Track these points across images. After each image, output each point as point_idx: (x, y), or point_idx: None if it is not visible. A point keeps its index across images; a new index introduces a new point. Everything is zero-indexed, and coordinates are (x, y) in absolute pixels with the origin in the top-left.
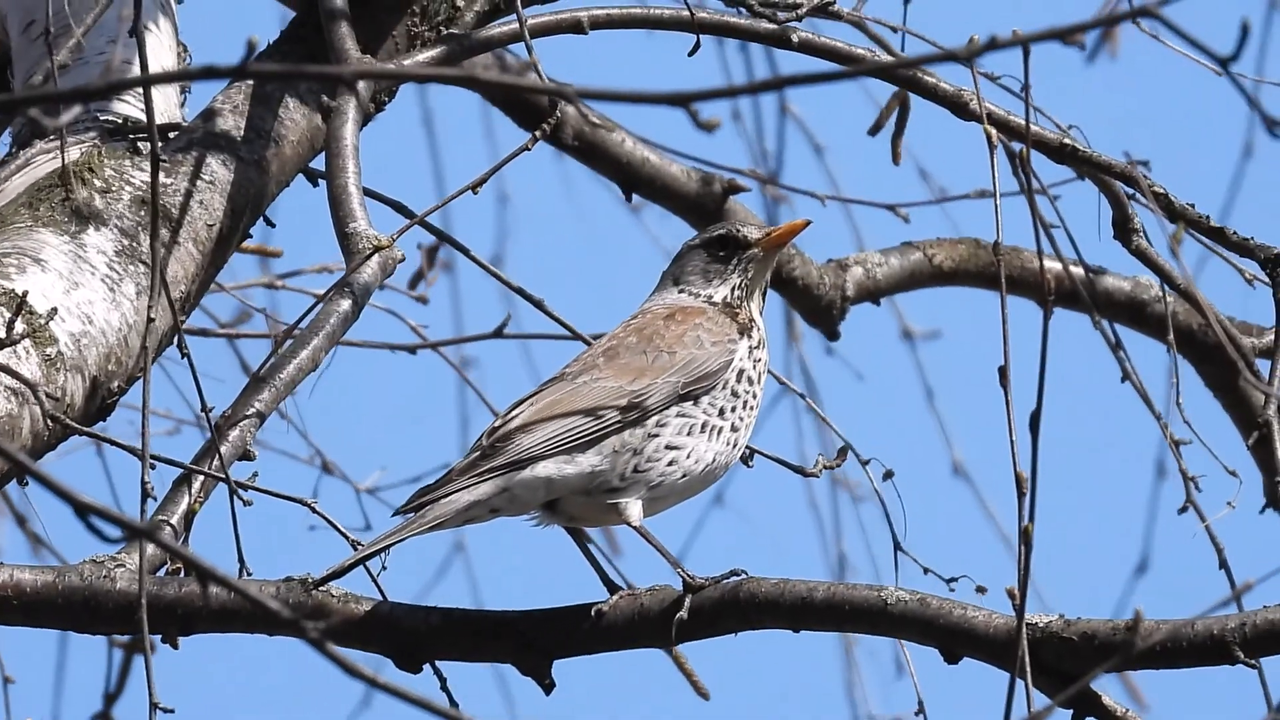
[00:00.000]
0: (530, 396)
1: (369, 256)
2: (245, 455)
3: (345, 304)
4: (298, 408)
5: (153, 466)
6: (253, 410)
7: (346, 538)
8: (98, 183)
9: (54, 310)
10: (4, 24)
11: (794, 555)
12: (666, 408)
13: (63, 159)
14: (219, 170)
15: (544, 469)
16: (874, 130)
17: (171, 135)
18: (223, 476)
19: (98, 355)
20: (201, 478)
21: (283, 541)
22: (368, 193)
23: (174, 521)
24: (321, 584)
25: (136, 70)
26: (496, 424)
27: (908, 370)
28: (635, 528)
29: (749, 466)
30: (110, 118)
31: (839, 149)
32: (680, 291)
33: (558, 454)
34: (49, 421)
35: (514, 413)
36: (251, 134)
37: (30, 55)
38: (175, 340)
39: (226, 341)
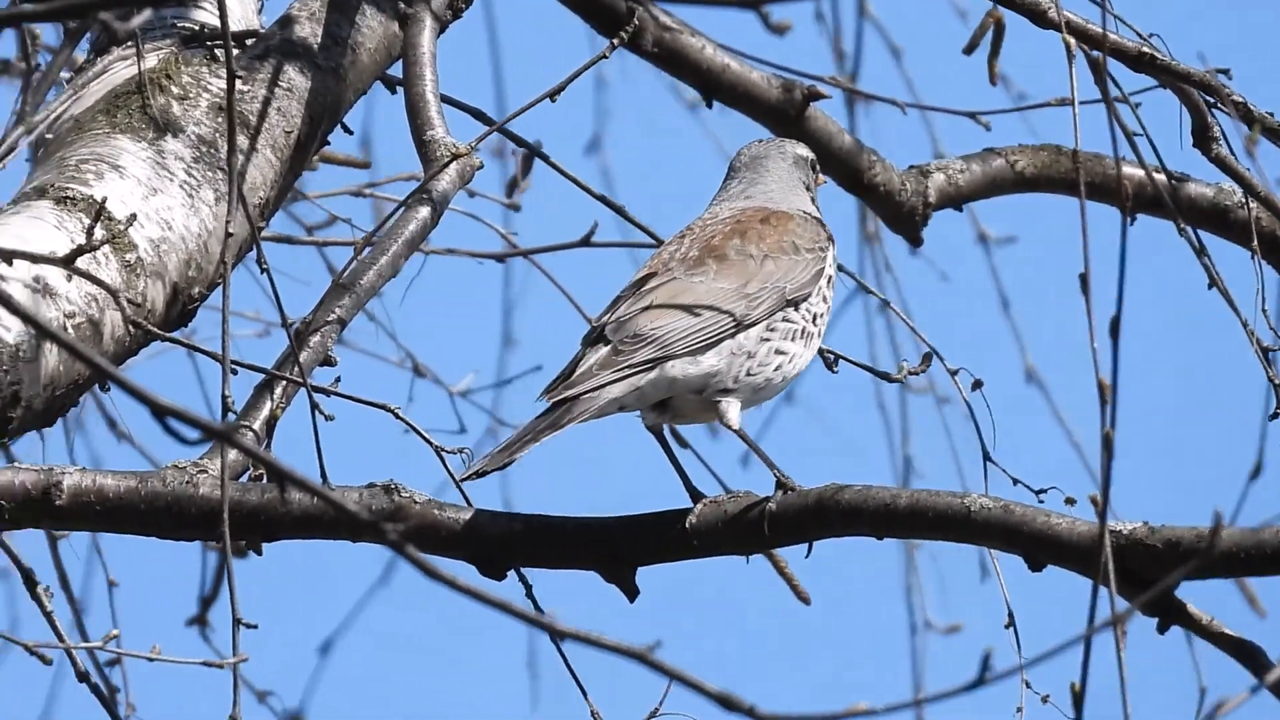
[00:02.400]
0: (638, 289)
1: (447, 164)
2: (326, 361)
3: (424, 211)
4: (388, 315)
5: (234, 372)
6: (333, 316)
7: (430, 443)
8: (175, 90)
9: (133, 216)
10: None
11: (867, 460)
12: (774, 312)
13: (139, 64)
14: (296, 77)
15: (673, 368)
16: (969, 49)
17: (248, 43)
18: (301, 381)
19: (177, 261)
20: (283, 384)
21: (373, 448)
22: (446, 100)
23: (256, 427)
24: (468, 479)
25: None
26: (613, 317)
27: (984, 275)
28: (736, 430)
29: (834, 371)
30: (188, 25)
31: (918, 54)
32: (768, 194)
33: (685, 354)
34: (130, 327)
35: (628, 308)
36: (328, 41)
37: None
38: (253, 248)
39: (315, 249)
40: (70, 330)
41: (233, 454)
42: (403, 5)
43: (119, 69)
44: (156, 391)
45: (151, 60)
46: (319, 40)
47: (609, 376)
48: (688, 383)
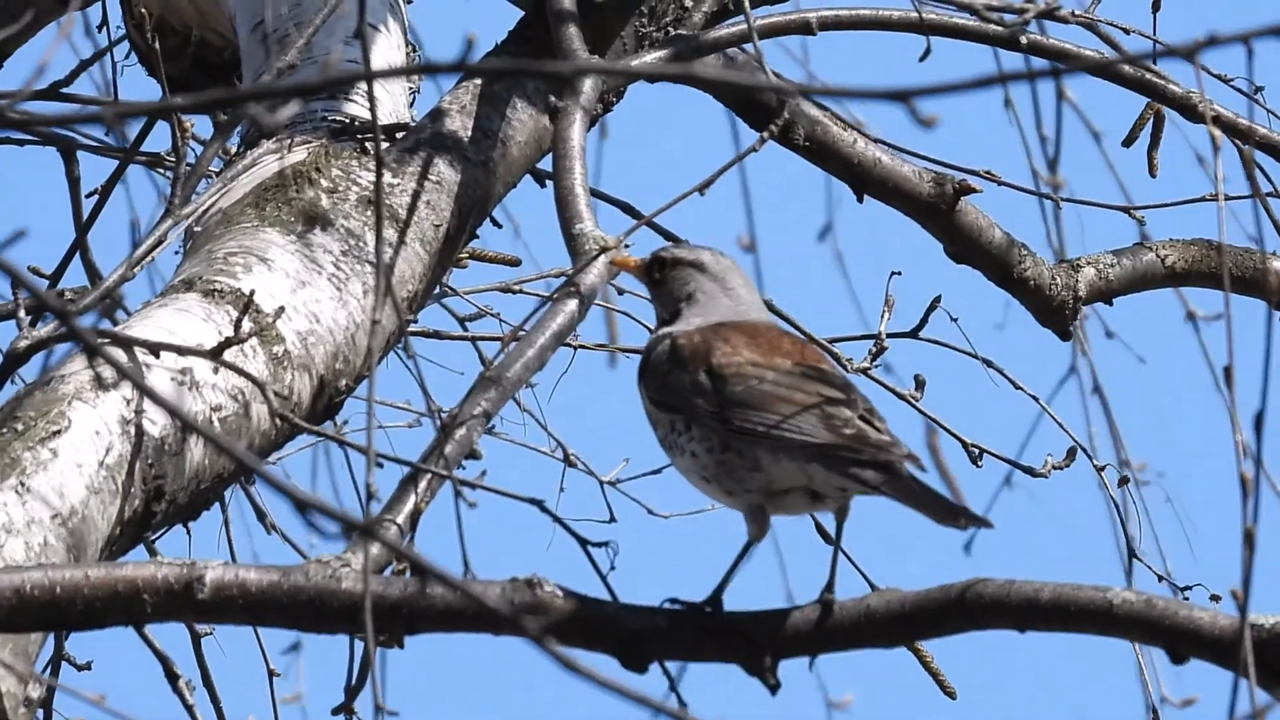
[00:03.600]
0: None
1: (595, 257)
2: (472, 454)
3: (572, 304)
4: (540, 408)
5: (380, 465)
6: (480, 409)
7: (575, 535)
8: (324, 183)
9: (281, 309)
10: (233, 23)
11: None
12: None
13: (284, 156)
14: (445, 170)
15: None
16: (1128, 142)
17: (399, 136)
18: (447, 474)
19: (325, 354)
20: (428, 477)
21: (523, 541)
22: (595, 194)
23: (399, 520)
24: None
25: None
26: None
27: (1134, 369)
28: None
29: (978, 466)
30: (338, 118)
31: (1071, 150)
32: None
33: None
34: (276, 420)
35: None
36: (478, 134)
37: (258, 55)
38: (401, 341)
39: (465, 343)
40: (216, 423)
41: (376, 548)
42: (553, 99)
43: (268, 162)
44: (305, 485)
45: (301, 153)
46: (469, 134)
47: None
48: None
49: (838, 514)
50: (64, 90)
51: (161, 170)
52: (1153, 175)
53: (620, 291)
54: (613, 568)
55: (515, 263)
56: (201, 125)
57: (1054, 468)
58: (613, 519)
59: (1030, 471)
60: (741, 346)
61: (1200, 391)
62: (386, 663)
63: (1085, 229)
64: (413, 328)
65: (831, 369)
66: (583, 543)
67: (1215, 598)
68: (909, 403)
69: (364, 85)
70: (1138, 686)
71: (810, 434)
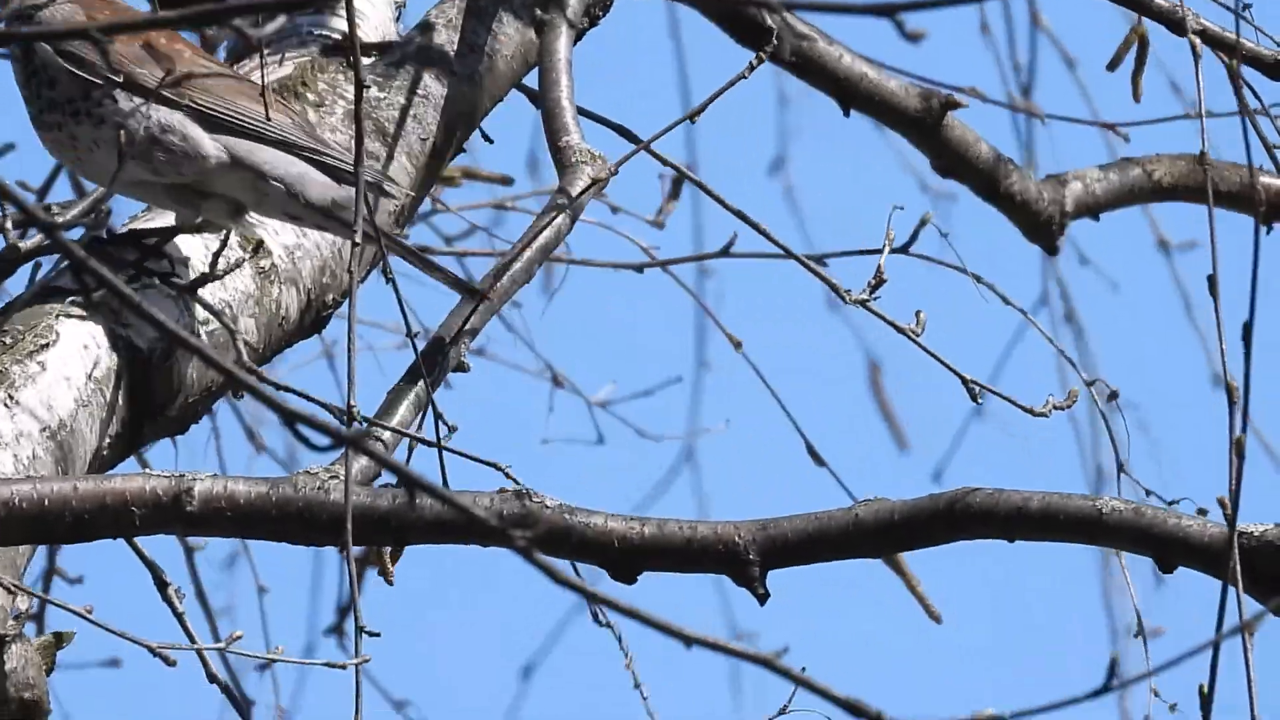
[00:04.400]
0: None
1: (581, 168)
2: (460, 368)
3: (561, 219)
4: (528, 327)
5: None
6: (466, 324)
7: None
8: (311, 97)
9: (262, 243)
10: None
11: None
12: None
13: (262, 71)
14: (432, 85)
15: None
16: (1112, 65)
17: (385, 52)
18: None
19: (312, 268)
20: (415, 391)
21: (510, 449)
22: (589, 114)
23: (386, 435)
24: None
25: None
26: None
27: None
28: None
29: (977, 403)
30: (325, 33)
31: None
32: None
33: None
34: (265, 336)
35: None
36: (465, 48)
37: None
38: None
39: (455, 259)
40: (204, 337)
41: (365, 461)
42: (539, 11)
43: (255, 78)
44: (278, 396)
45: (289, 68)
46: (455, 48)
47: None
48: None
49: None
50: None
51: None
52: (1137, 100)
53: (615, 210)
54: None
55: (508, 181)
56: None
57: (1055, 408)
58: (601, 441)
59: (1030, 411)
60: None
61: (1172, 316)
62: (370, 585)
63: (1069, 153)
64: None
65: None
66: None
67: (1202, 511)
68: (909, 337)
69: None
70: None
71: (283, 132)
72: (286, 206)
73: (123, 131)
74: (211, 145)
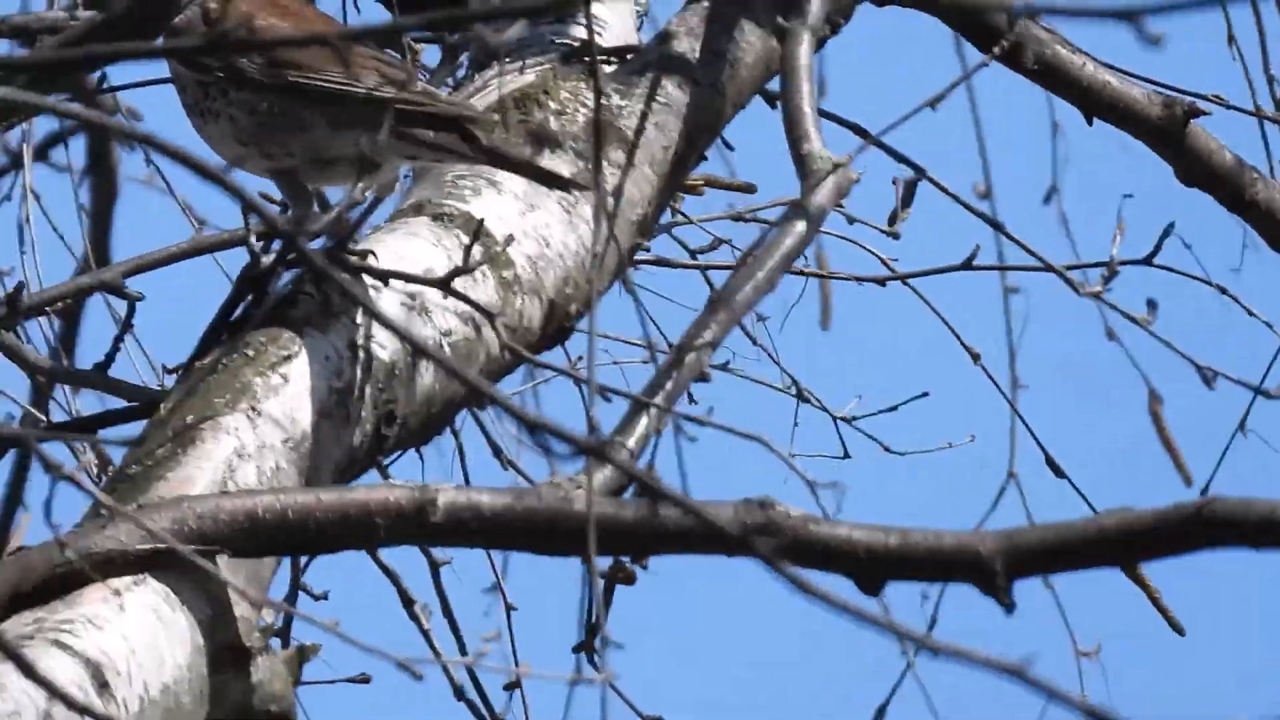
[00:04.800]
0: None
1: (823, 176)
2: (701, 377)
3: (801, 225)
4: (770, 339)
5: (608, 400)
6: (708, 334)
7: (794, 469)
8: (552, 105)
9: (510, 238)
10: None
11: None
12: None
13: (500, 78)
14: (674, 92)
15: None
16: None
17: (627, 59)
18: (665, 408)
19: (554, 278)
20: (659, 402)
21: (749, 479)
22: (825, 115)
23: (631, 444)
24: None
25: None
26: None
27: None
28: None
29: (1211, 388)
30: (566, 41)
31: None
32: None
33: None
34: (504, 353)
35: None
36: (707, 56)
37: None
38: (631, 263)
39: (697, 272)
40: (446, 348)
41: (609, 470)
42: (781, 19)
43: (497, 86)
44: (521, 406)
45: (530, 77)
46: (697, 55)
47: None
48: None
49: (378, 189)
50: None
51: None
52: None
53: (850, 221)
54: (834, 485)
55: (751, 189)
56: (431, 55)
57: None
58: (846, 455)
59: (1266, 394)
60: (283, 13)
61: None
62: (616, 596)
63: None
64: (643, 256)
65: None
66: (806, 481)
67: None
68: (1142, 326)
69: (591, 7)
70: None
71: (370, 88)
72: (401, 150)
73: (231, 122)
74: (310, 118)
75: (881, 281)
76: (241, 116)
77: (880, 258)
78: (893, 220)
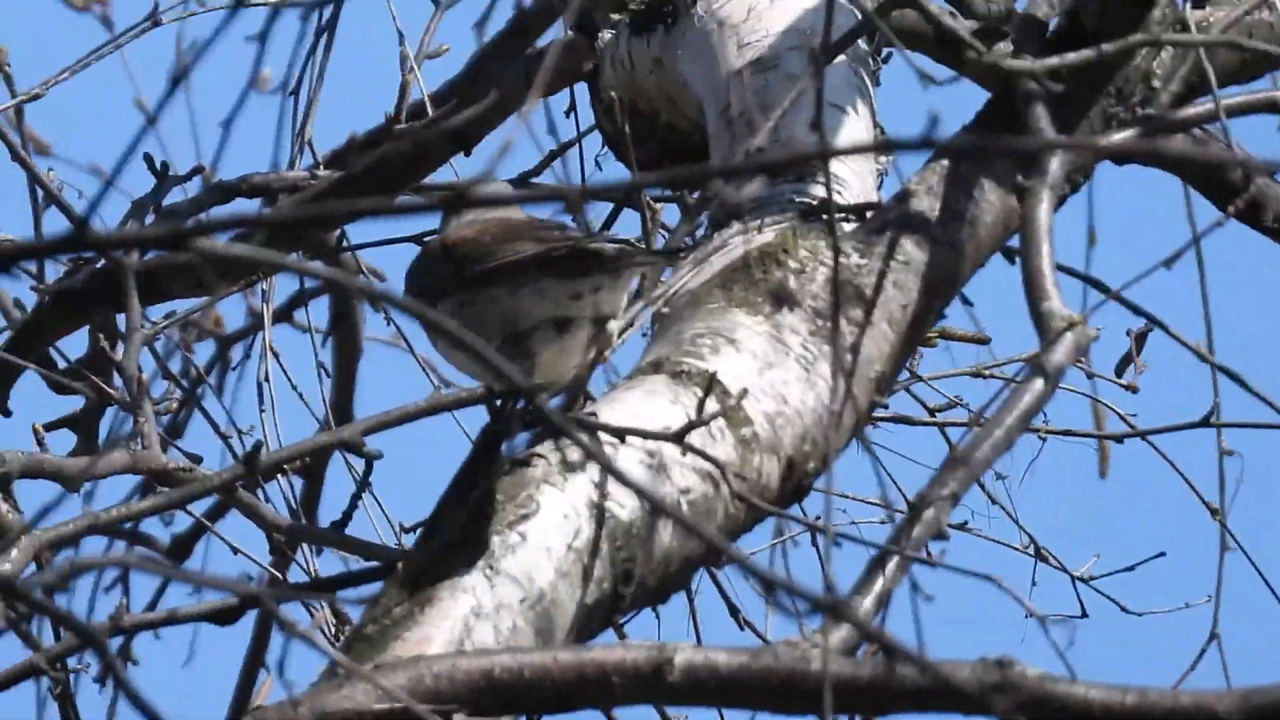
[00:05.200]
0: None
1: (1061, 334)
2: (939, 535)
3: (1038, 383)
4: (1009, 495)
5: (838, 544)
6: (947, 490)
7: (1033, 612)
8: (792, 263)
9: (744, 391)
10: (701, 107)
11: None
12: None
13: (752, 237)
14: (913, 251)
15: None
16: None
17: (866, 216)
18: (907, 553)
19: (793, 436)
20: (894, 561)
21: (990, 627)
22: (1064, 269)
23: (866, 603)
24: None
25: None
26: None
27: None
28: None
29: None
30: (806, 199)
31: None
32: None
33: None
34: (737, 502)
35: None
36: (946, 215)
37: (725, 140)
38: (869, 421)
39: (934, 429)
40: (685, 506)
41: (846, 629)
42: (1020, 178)
43: (738, 243)
44: (769, 567)
45: (769, 235)
46: (936, 214)
47: None
48: None
49: (598, 344)
50: (532, 180)
51: None
52: None
53: (1090, 376)
54: (1071, 643)
55: (985, 340)
56: (668, 214)
57: None
58: (1084, 614)
59: None
60: (478, 226)
61: None
62: None
63: None
64: (880, 413)
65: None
66: (1042, 620)
67: None
68: None
69: (830, 165)
70: None
71: (524, 250)
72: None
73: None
74: (494, 294)
75: (1119, 438)
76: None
77: (1119, 413)
78: (1121, 369)
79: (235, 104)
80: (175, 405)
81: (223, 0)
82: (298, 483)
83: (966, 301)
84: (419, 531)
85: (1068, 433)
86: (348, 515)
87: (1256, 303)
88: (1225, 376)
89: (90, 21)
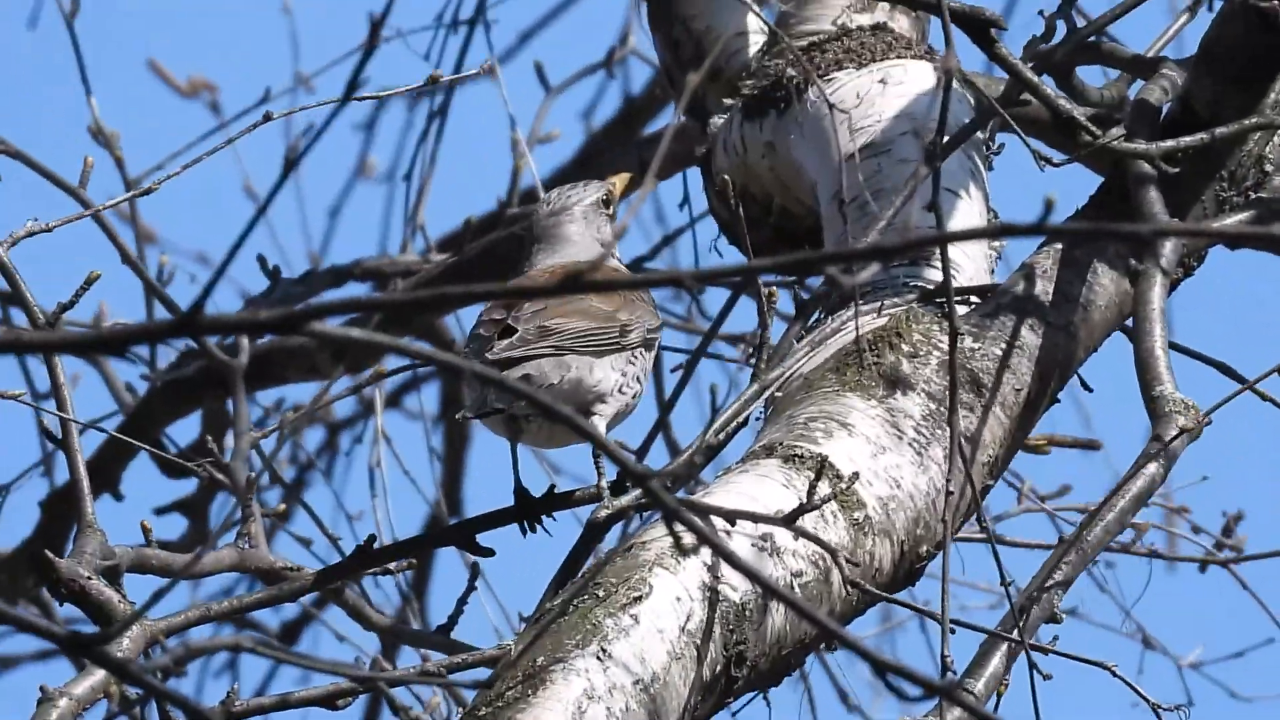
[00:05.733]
0: (511, 312)
1: (1175, 420)
2: (1051, 619)
3: (1153, 468)
4: (1116, 580)
5: (953, 631)
6: (1059, 576)
7: (1146, 700)
8: (905, 347)
9: (855, 474)
10: (814, 191)
11: None
12: (637, 346)
13: (855, 320)
14: (1026, 335)
15: (574, 364)
16: None
17: (980, 300)
18: (1020, 640)
19: (905, 520)
20: (1007, 647)
21: (1099, 714)
22: (1184, 350)
23: (979, 687)
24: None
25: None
26: (513, 316)
27: None
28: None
29: None
30: (920, 283)
31: None
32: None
33: (585, 353)
34: (848, 588)
35: (526, 317)
36: (1059, 298)
37: (838, 224)
38: (978, 504)
39: (1046, 516)
40: (797, 589)
41: (959, 712)
42: (1133, 262)
43: (850, 327)
44: (881, 650)
45: (883, 318)
46: (1049, 297)
47: (524, 351)
48: (575, 385)
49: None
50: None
51: (742, 344)
52: None
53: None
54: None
55: (1095, 446)
56: (784, 303)
57: None
58: (1190, 703)
59: None
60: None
61: None
62: None
63: None
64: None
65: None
66: (1155, 708)
67: None
68: None
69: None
70: None
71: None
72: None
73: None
74: (554, 373)
75: (1214, 553)
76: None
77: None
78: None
79: (341, 191)
80: (283, 507)
81: (334, 90)
82: (408, 579)
83: (1086, 386)
84: (530, 617)
85: (1166, 528)
86: (454, 619)
87: None
88: None
89: (198, 106)
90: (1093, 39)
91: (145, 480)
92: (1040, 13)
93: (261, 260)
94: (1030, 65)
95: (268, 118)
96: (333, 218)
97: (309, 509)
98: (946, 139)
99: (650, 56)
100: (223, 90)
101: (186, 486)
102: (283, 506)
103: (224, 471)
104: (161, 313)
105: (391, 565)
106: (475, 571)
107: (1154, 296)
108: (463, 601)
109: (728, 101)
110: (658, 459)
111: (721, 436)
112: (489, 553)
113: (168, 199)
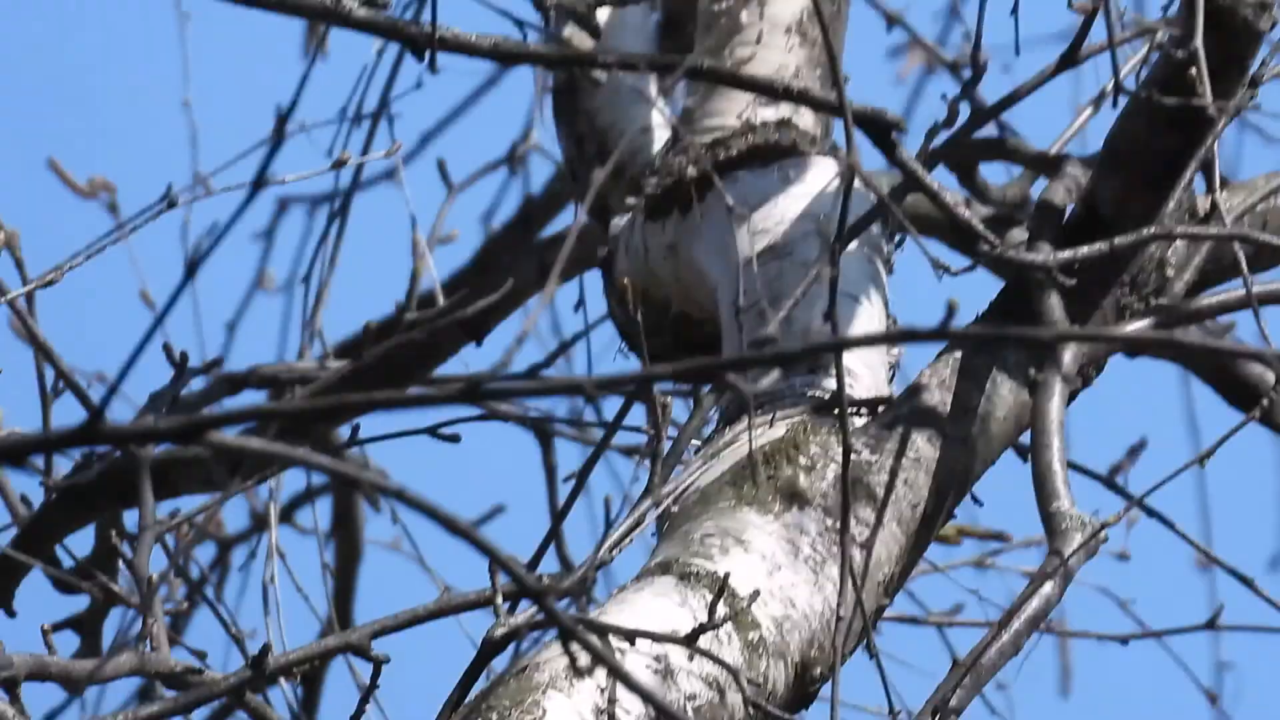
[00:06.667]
0: None
1: (1073, 537)
2: None
3: (1047, 588)
4: (1009, 700)
5: None
6: (953, 701)
7: None
8: (802, 460)
9: (755, 593)
10: (715, 295)
11: None
12: None
13: (749, 432)
14: (924, 447)
15: None
16: None
17: (878, 410)
18: None
19: (800, 640)
20: None
21: None
22: (1081, 469)
23: None
24: None
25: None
26: None
27: None
28: None
29: None
30: (818, 393)
31: None
32: None
33: None
34: (750, 709)
35: None
36: (957, 410)
37: (734, 331)
38: (876, 626)
39: (936, 629)
40: (690, 712)
41: None
42: (1032, 372)
43: (746, 439)
44: None
45: (780, 429)
46: (947, 409)
47: None
48: None
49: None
50: (542, 374)
51: (636, 455)
52: None
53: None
54: None
55: (1005, 538)
56: (678, 410)
57: None
58: None
59: None
60: None
61: None
62: None
63: None
64: (886, 614)
65: None
66: None
67: None
68: None
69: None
70: None
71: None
72: None
73: None
74: None
75: (1124, 640)
76: None
77: (1133, 616)
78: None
79: (240, 304)
80: (184, 605)
81: (235, 181)
82: (300, 689)
83: (977, 501)
84: None
85: (1080, 634)
86: None
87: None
88: (1234, 577)
89: (97, 207)
90: (998, 136)
91: (41, 595)
92: (943, 96)
93: (167, 349)
94: (933, 162)
95: (172, 204)
96: (230, 331)
97: (213, 605)
98: (845, 234)
99: (554, 152)
100: (121, 189)
101: (80, 602)
102: (185, 604)
103: (128, 567)
104: (57, 420)
105: (294, 670)
106: (377, 671)
107: (1052, 408)
108: (363, 703)
109: (630, 200)
110: (550, 570)
111: (615, 552)
112: (384, 659)
113: (67, 303)
